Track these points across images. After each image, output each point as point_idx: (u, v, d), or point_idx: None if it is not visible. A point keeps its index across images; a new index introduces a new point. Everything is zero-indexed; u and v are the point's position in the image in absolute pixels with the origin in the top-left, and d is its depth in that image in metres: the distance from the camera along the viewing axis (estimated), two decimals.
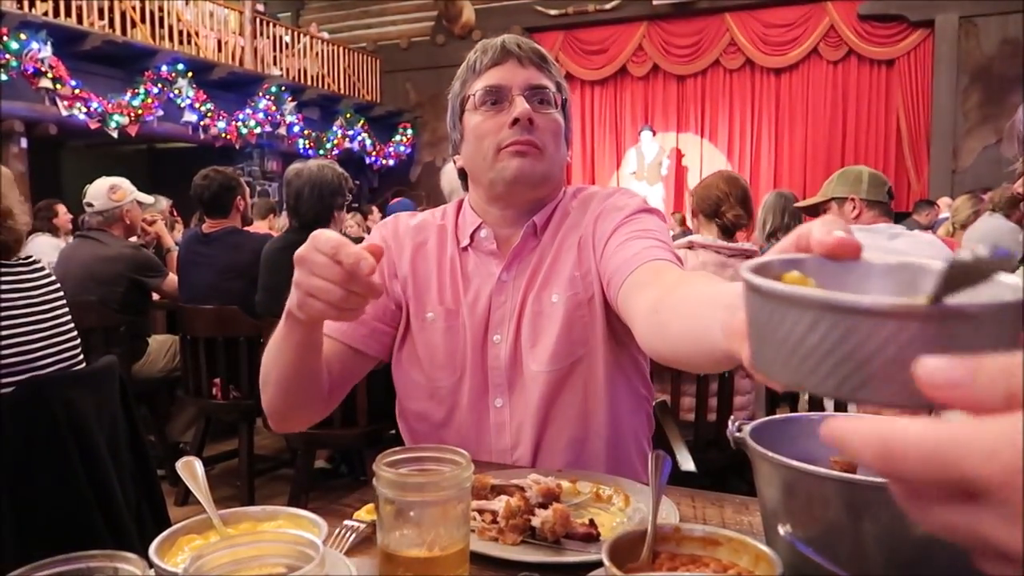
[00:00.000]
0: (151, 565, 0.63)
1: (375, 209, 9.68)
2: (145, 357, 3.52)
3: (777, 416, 0.83)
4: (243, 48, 10.08)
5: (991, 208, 5.10)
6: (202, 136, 9.16)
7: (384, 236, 1.26)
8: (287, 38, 10.96)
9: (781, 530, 0.66)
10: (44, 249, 5.11)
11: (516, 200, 1.18)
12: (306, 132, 10.57)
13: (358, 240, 3.22)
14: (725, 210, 2.41)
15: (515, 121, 1.11)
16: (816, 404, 2.41)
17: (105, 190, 3.49)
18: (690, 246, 2.38)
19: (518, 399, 1.18)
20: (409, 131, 12.50)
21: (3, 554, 1.51)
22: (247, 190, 3.55)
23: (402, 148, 12.44)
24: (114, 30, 8.17)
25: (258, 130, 9.75)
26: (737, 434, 0.76)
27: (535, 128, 1.12)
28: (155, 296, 3.68)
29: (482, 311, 1.18)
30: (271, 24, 10.65)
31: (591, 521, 0.86)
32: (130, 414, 1.85)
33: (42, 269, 1.75)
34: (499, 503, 0.87)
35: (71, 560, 0.52)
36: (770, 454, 0.69)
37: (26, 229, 1.73)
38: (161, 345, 3.61)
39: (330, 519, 0.90)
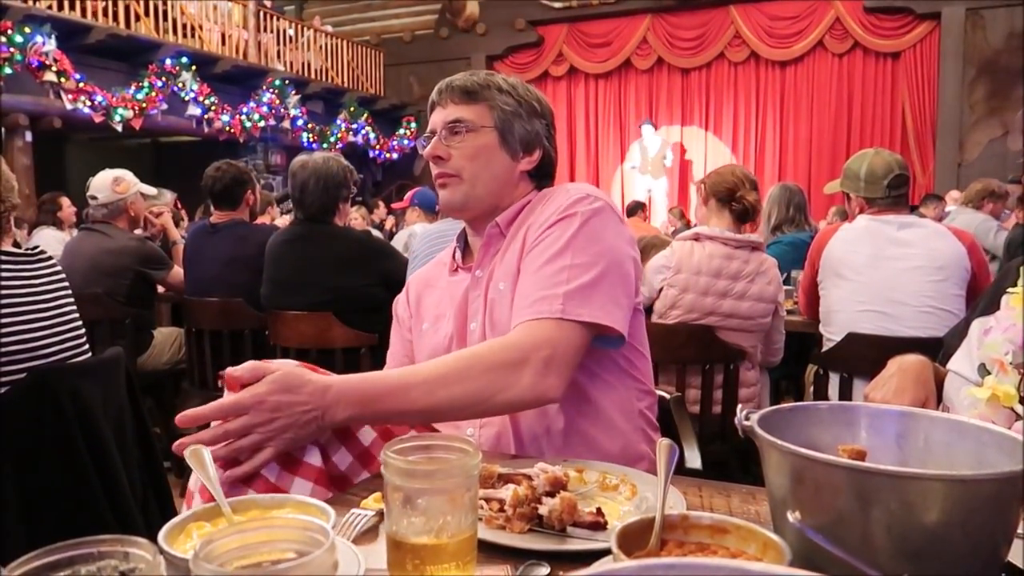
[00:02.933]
0: (160, 551, 0.63)
1: (381, 203, 9.68)
2: (150, 349, 3.53)
3: (784, 405, 0.82)
4: (247, 42, 10.08)
5: (962, 202, 5.19)
6: (206, 130, 9.17)
7: (403, 304, 1.44)
8: (291, 31, 10.96)
9: (790, 517, 0.66)
10: (49, 242, 5.13)
11: (468, 220, 1.35)
12: (310, 126, 10.57)
13: (364, 232, 3.21)
14: (742, 195, 2.41)
15: (429, 159, 1.30)
16: (821, 395, 2.41)
17: (109, 182, 3.49)
18: (696, 238, 2.37)
19: None
20: (413, 124, 12.49)
21: (10, 543, 1.52)
22: (258, 186, 3.54)
23: (406, 142, 12.43)
24: (118, 23, 8.17)
25: (262, 124, 9.75)
26: (745, 422, 0.76)
27: (448, 159, 1.28)
28: (160, 289, 3.68)
29: (460, 304, 1.30)
30: (275, 17, 10.65)
31: (598, 510, 0.86)
32: (136, 405, 1.85)
33: (49, 260, 1.75)
34: (506, 492, 0.87)
35: (81, 544, 0.52)
36: (779, 442, 0.69)
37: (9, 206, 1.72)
38: (166, 338, 3.62)
39: (337, 507, 0.91)
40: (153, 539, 1.59)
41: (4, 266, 1.62)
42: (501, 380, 1.06)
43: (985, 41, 9.85)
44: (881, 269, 2.38)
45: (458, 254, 1.38)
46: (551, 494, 0.87)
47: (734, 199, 2.41)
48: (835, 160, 11.16)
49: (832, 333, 2.48)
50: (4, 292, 1.59)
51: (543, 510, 0.85)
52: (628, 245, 1.23)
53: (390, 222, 9.08)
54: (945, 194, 7.35)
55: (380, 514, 0.90)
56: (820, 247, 2.55)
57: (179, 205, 6.20)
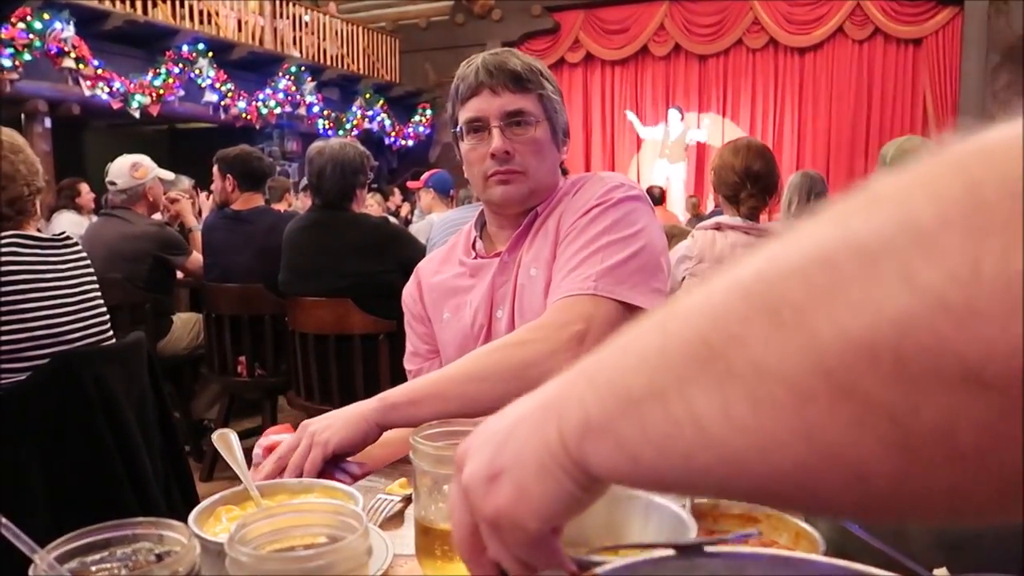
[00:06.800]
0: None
1: (396, 190, 9.68)
2: (169, 335, 3.55)
3: None
4: (263, 28, 10.07)
5: None
6: (223, 116, 9.19)
7: (410, 294, 1.39)
8: (307, 18, 10.94)
9: None
10: (67, 227, 5.16)
11: (510, 214, 1.29)
12: (326, 112, 10.57)
13: (381, 219, 3.20)
14: (744, 198, 2.34)
15: (493, 154, 1.20)
16: None
17: (127, 168, 3.50)
18: (717, 227, 2.35)
19: None
20: (428, 111, 12.47)
21: (36, 525, 1.53)
22: (230, 172, 3.47)
23: (421, 129, 12.42)
24: (135, 9, 8.19)
25: (278, 110, 9.76)
26: None
27: (513, 155, 1.21)
28: (179, 274, 3.70)
29: (487, 292, 1.27)
30: (291, 4, 10.63)
31: None
32: (158, 390, 1.87)
33: (74, 245, 1.76)
34: None
35: (118, 527, 0.52)
36: None
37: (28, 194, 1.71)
38: (185, 323, 3.64)
39: (362, 493, 0.91)
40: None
41: (32, 251, 1.64)
42: (534, 354, 1.04)
43: (1009, 27, 9.68)
44: None
45: (479, 242, 1.34)
46: None
47: (739, 202, 2.35)
48: (854, 148, 11.05)
49: None
50: (32, 277, 1.60)
51: None
52: (660, 236, 1.22)
53: (405, 208, 9.08)
54: None
55: (405, 500, 0.91)
56: None
57: (198, 191, 6.21)
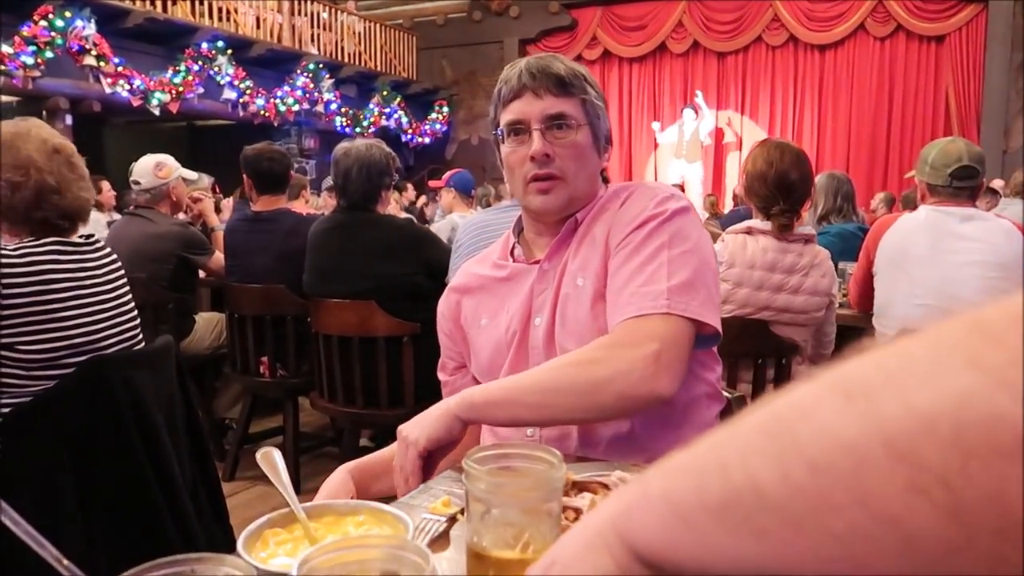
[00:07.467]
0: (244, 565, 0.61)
1: (410, 187, 9.68)
2: (192, 334, 3.55)
3: None
4: (281, 25, 10.10)
5: (1008, 193, 5.03)
6: (241, 114, 9.22)
7: (440, 310, 1.39)
8: (324, 15, 10.96)
9: None
10: (88, 225, 5.18)
11: (549, 222, 1.27)
12: (343, 110, 10.59)
13: (406, 220, 3.18)
14: (775, 213, 2.28)
15: (533, 157, 1.19)
16: None
17: (151, 168, 3.50)
18: (748, 231, 2.31)
19: None
20: (445, 109, 12.47)
21: (67, 529, 1.53)
22: (246, 172, 3.46)
23: (438, 126, 12.42)
24: (155, 7, 8.23)
25: (296, 107, 9.79)
26: None
27: (553, 159, 1.19)
28: (201, 274, 3.70)
29: (525, 299, 1.25)
30: (309, 1, 10.65)
31: None
32: (186, 392, 1.86)
33: (104, 248, 1.76)
34: (582, 500, 0.85)
35: (176, 563, 0.50)
36: None
37: (78, 205, 1.71)
38: (207, 322, 3.64)
39: (405, 512, 0.89)
40: (202, 526, 1.57)
41: (71, 256, 1.63)
42: (610, 373, 1.02)
43: None
44: (939, 263, 2.30)
45: (517, 248, 1.32)
46: None
47: (770, 215, 2.28)
48: (874, 147, 10.93)
49: (886, 327, 2.41)
50: (73, 284, 1.60)
51: None
52: (710, 247, 1.20)
53: (422, 201, 9.07)
54: (991, 182, 7.11)
55: (450, 520, 0.89)
56: (877, 236, 2.47)
57: (217, 190, 6.23)
